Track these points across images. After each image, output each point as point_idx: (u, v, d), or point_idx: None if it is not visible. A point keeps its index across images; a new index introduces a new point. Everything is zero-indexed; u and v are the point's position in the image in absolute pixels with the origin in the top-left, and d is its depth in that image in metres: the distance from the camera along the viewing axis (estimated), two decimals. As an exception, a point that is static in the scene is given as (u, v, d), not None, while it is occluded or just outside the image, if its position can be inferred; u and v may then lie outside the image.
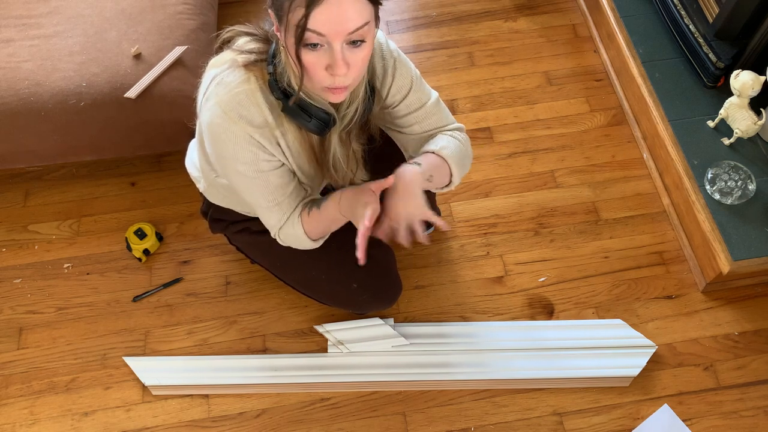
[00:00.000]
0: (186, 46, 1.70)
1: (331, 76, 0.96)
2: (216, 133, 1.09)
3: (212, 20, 1.88)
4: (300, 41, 0.92)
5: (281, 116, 1.10)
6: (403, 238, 1.10)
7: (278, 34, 0.99)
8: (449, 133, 1.26)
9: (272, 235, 1.28)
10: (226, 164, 1.13)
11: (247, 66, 1.06)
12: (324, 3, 0.89)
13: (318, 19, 0.90)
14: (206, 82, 1.10)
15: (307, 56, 0.95)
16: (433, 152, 1.20)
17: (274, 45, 1.05)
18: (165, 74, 1.65)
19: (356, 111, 1.13)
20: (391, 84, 1.18)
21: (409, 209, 1.09)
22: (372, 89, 1.15)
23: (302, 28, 0.91)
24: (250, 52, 1.06)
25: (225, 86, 1.06)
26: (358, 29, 0.92)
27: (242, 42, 1.09)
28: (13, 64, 1.65)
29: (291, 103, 1.05)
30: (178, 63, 1.67)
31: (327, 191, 1.55)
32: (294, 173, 1.21)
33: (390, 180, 1.10)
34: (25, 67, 1.65)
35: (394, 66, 1.17)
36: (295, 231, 1.23)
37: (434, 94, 1.26)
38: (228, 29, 1.09)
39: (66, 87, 1.62)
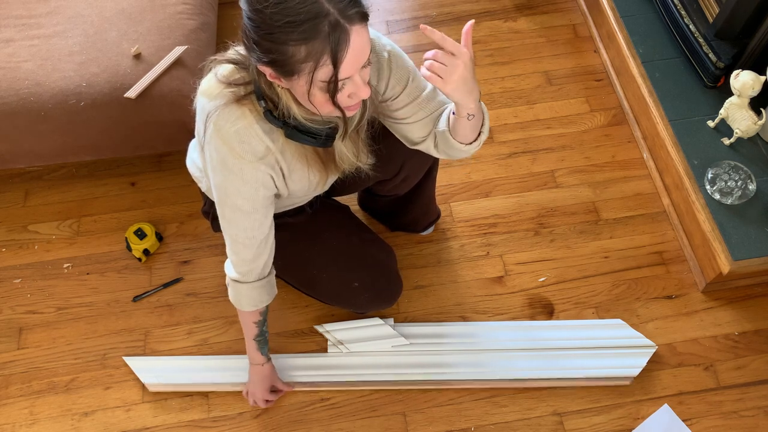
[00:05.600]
0: (186, 46, 1.70)
1: (351, 99, 1.01)
2: (227, 168, 1.12)
3: (212, 20, 1.88)
4: (334, 93, 0.97)
5: (279, 136, 1.12)
6: None
7: (276, 81, 1.00)
8: None
9: (230, 271, 1.29)
10: (225, 195, 1.16)
11: (239, 101, 1.08)
12: (347, 54, 0.93)
13: (344, 69, 0.95)
14: (202, 118, 1.12)
15: (339, 97, 0.99)
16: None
17: (256, 80, 1.06)
18: (165, 74, 1.65)
19: (363, 112, 1.14)
20: (389, 76, 1.18)
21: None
22: None
23: (334, 83, 0.95)
24: (236, 84, 1.08)
25: (223, 129, 1.08)
26: (369, 55, 0.97)
27: (227, 73, 1.09)
28: (13, 64, 1.65)
29: (323, 137, 1.09)
30: (178, 63, 1.67)
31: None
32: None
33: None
34: (25, 67, 1.65)
35: (389, 59, 1.17)
36: (252, 295, 1.29)
37: (429, 84, 1.25)
38: (210, 59, 1.11)
39: (66, 87, 1.62)
